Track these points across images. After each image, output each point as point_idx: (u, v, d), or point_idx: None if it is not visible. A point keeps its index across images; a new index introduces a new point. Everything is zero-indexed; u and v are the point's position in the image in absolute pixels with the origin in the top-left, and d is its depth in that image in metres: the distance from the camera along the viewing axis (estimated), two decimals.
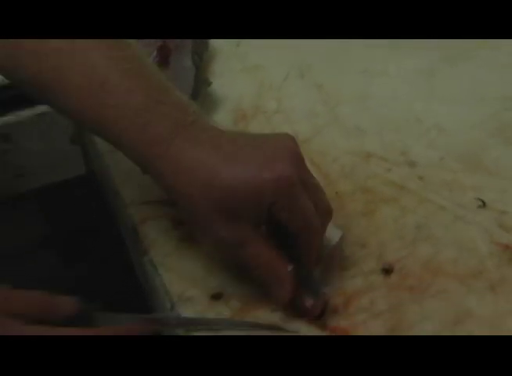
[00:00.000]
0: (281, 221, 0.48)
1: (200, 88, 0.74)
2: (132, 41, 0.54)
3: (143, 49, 0.77)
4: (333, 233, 0.54)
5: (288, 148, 0.49)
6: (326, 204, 0.51)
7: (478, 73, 0.74)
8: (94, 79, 0.50)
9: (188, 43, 0.79)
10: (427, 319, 0.51)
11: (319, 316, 0.51)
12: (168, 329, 0.52)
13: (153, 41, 0.80)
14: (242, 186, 0.46)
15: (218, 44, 0.82)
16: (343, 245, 0.56)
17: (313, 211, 0.48)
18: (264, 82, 0.77)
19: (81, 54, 0.51)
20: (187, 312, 0.53)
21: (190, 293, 0.55)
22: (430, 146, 0.66)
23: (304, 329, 0.51)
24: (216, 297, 0.54)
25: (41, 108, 0.88)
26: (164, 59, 0.77)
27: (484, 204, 0.59)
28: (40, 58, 0.52)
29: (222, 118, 0.72)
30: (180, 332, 0.52)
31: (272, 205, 0.47)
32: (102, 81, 0.50)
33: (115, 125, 0.50)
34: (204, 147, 0.48)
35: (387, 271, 0.55)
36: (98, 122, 0.51)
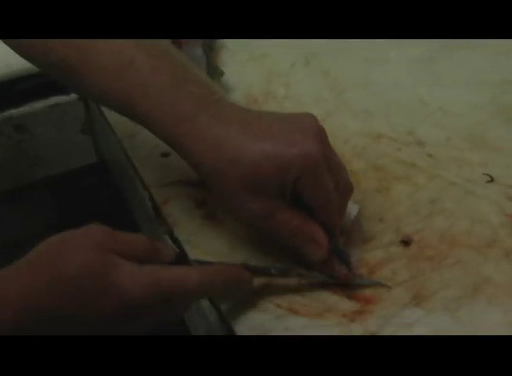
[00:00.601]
0: (303, 196, 0.48)
1: (212, 76, 0.73)
2: None
3: None
4: (350, 208, 0.54)
5: (313, 126, 0.48)
6: (348, 182, 0.51)
7: (477, 59, 0.74)
8: (121, 60, 0.50)
9: None
10: (448, 287, 0.51)
11: (345, 284, 0.51)
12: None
13: None
14: (270, 162, 0.46)
15: None
16: (360, 219, 0.55)
17: (333, 189, 0.48)
18: (272, 70, 0.77)
19: (107, 39, 0.50)
20: None
21: None
22: (436, 126, 0.66)
23: (331, 298, 0.50)
24: None
25: (54, 99, 0.86)
26: None
27: (492, 179, 0.59)
28: (67, 42, 0.51)
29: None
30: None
31: (297, 180, 0.46)
32: (129, 61, 0.49)
33: (141, 104, 0.49)
34: (230, 124, 0.47)
35: (406, 243, 0.54)
36: (124, 101, 0.50)
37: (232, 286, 0.47)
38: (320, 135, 0.48)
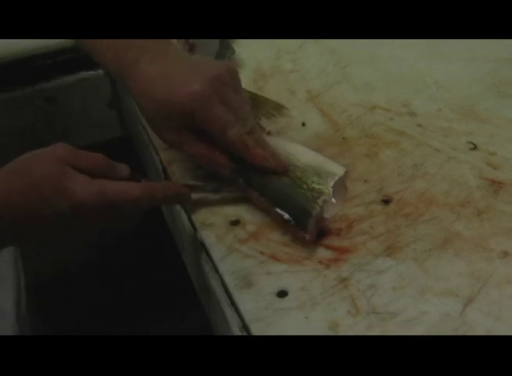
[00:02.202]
0: (204, 128, 0.56)
1: (224, 53, 0.78)
2: None
3: None
4: (338, 169, 0.58)
5: (212, 71, 0.56)
6: (245, 112, 0.58)
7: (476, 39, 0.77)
8: None
9: None
10: (420, 240, 0.54)
11: (319, 236, 0.55)
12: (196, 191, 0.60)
13: None
14: (169, 102, 0.55)
15: None
16: (346, 181, 0.59)
17: (228, 119, 0.56)
18: (282, 47, 0.81)
19: None
20: (209, 235, 0.57)
21: (211, 220, 0.59)
22: (429, 99, 0.69)
23: (310, 248, 0.54)
24: (234, 223, 0.58)
25: (83, 74, 0.92)
26: None
27: (475, 147, 0.62)
28: None
29: (243, 77, 0.73)
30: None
31: (193, 114, 0.55)
32: None
33: (104, 57, 0.60)
34: (156, 71, 0.57)
35: (386, 202, 0.58)
36: (99, 58, 0.61)
37: (171, 199, 0.58)
38: (215, 78, 0.56)
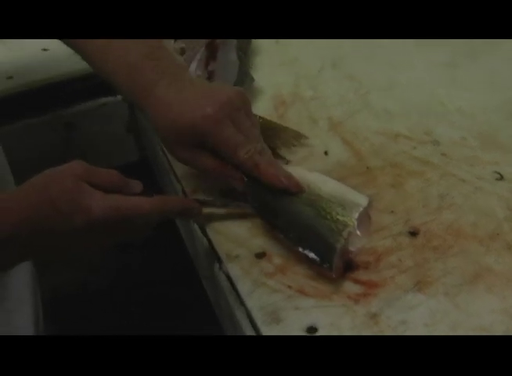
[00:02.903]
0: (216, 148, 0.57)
1: (243, 80, 0.76)
2: None
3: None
4: (362, 200, 0.56)
5: (225, 96, 0.57)
6: (255, 135, 0.58)
7: (496, 65, 0.76)
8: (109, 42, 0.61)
9: (233, 40, 0.82)
10: (450, 274, 0.52)
11: (345, 269, 0.53)
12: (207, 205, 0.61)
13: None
14: (183, 124, 0.56)
15: (259, 41, 0.85)
16: (370, 211, 0.57)
17: (239, 140, 0.56)
18: (300, 73, 0.79)
19: None
20: (234, 268, 0.55)
21: (237, 252, 0.57)
22: (451, 126, 0.68)
23: (338, 282, 0.53)
24: (259, 256, 0.56)
25: (102, 100, 0.91)
26: (211, 55, 0.80)
27: (501, 177, 0.60)
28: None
29: (263, 105, 0.74)
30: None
31: (206, 136, 0.56)
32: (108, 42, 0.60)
33: (115, 78, 0.61)
34: (173, 96, 0.57)
35: (414, 233, 0.56)
36: (108, 76, 0.61)
37: (181, 213, 0.59)
38: (226, 102, 0.57)
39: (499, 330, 0.47)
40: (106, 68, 0.61)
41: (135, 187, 0.55)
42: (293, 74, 0.79)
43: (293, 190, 0.57)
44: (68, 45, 0.64)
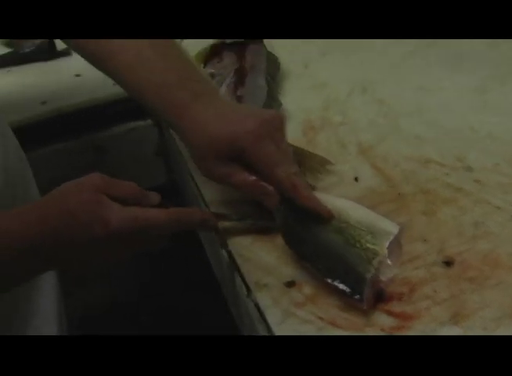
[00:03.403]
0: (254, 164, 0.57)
1: (271, 105, 0.75)
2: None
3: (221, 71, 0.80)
4: (392, 227, 0.54)
5: (267, 116, 0.58)
6: (291, 157, 0.58)
7: None
8: (140, 58, 0.60)
9: (262, 65, 0.80)
10: (488, 307, 0.49)
11: (377, 300, 0.50)
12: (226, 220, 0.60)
13: (230, 62, 0.81)
14: (223, 140, 0.56)
15: (288, 65, 0.83)
16: (401, 239, 0.55)
17: (278, 157, 0.56)
18: (329, 98, 0.77)
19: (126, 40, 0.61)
20: (264, 297, 0.53)
21: (266, 280, 0.54)
22: (484, 152, 0.65)
23: (371, 313, 0.50)
24: (289, 285, 0.54)
25: (132, 124, 0.90)
26: (240, 80, 0.79)
27: None
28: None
29: (292, 129, 0.71)
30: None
31: (245, 151, 0.56)
32: (147, 59, 0.60)
33: (153, 98, 0.60)
34: (209, 115, 0.57)
35: (448, 263, 0.53)
36: (139, 93, 0.61)
37: (197, 225, 0.59)
38: (268, 121, 0.57)
39: None
40: (137, 87, 0.61)
41: (154, 199, 0.55)
42: (322, 99, 0.77)
43: (325, 216, 0.55)
44: (97, 65, 0.64)
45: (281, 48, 0.84)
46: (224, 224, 0.59)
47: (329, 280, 0.51)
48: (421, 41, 0.83)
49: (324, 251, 0.54)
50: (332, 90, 0.79)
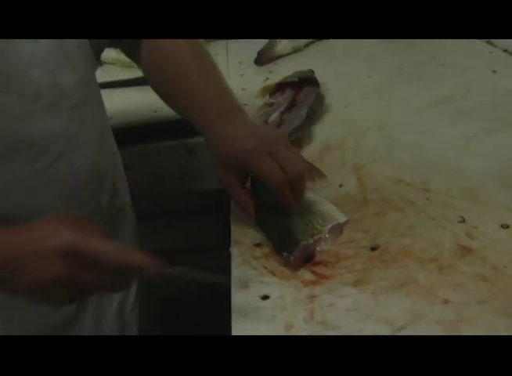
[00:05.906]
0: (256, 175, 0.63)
1: (300, 130, 0.85)
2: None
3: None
4: (340, 217, 0.62)
5: (268, 136, 0.63)
6: (296, 167, 0.61)
7: (507, 141, 0.77)
8: (180, 71, 0.69)
9: (309, 101, 0.91)
10: (384, 280, 0.56)
11: (306, 261, 0.59)
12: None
13: (288, 96, 0.93)
14: (232, 153, 0.63)
15: (333, 104, 0.93)
16: (344, 227, 0.63)
17: (277, 172, 0.60)
18: (352, 130, 0.86)
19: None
20: (237, 249, 0.63)
21: (242, 240, 0.65)
22: (445, 180, 0.70)
23: (302, 271, 0.59)
24: (257, 245, 0.64)
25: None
26: (289, 108, 0.90)
27: (463, 220, 0.63)
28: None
29: (312, 148, 0.82)
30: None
31: (247, 165, 0.61)
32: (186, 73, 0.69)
33: (192, 109, 0.68)
34: (226, 132, 0.64)
35: (373, 248, 0.61)
36: (186, 114, 0.70)
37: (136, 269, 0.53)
38: (268, 139, 0.62)
39: (398, 324, 0.51)
40: (190, 113, 0.68)
41: (142, 265, 0.51)
42: (347, 131, 0.86)
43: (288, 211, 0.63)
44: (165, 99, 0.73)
45: (331, 90, 0.95)
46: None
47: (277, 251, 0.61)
48: (434, 97, 0.90)
49: (284, 230, 0.63)
50: (357, 125, 0.87)
